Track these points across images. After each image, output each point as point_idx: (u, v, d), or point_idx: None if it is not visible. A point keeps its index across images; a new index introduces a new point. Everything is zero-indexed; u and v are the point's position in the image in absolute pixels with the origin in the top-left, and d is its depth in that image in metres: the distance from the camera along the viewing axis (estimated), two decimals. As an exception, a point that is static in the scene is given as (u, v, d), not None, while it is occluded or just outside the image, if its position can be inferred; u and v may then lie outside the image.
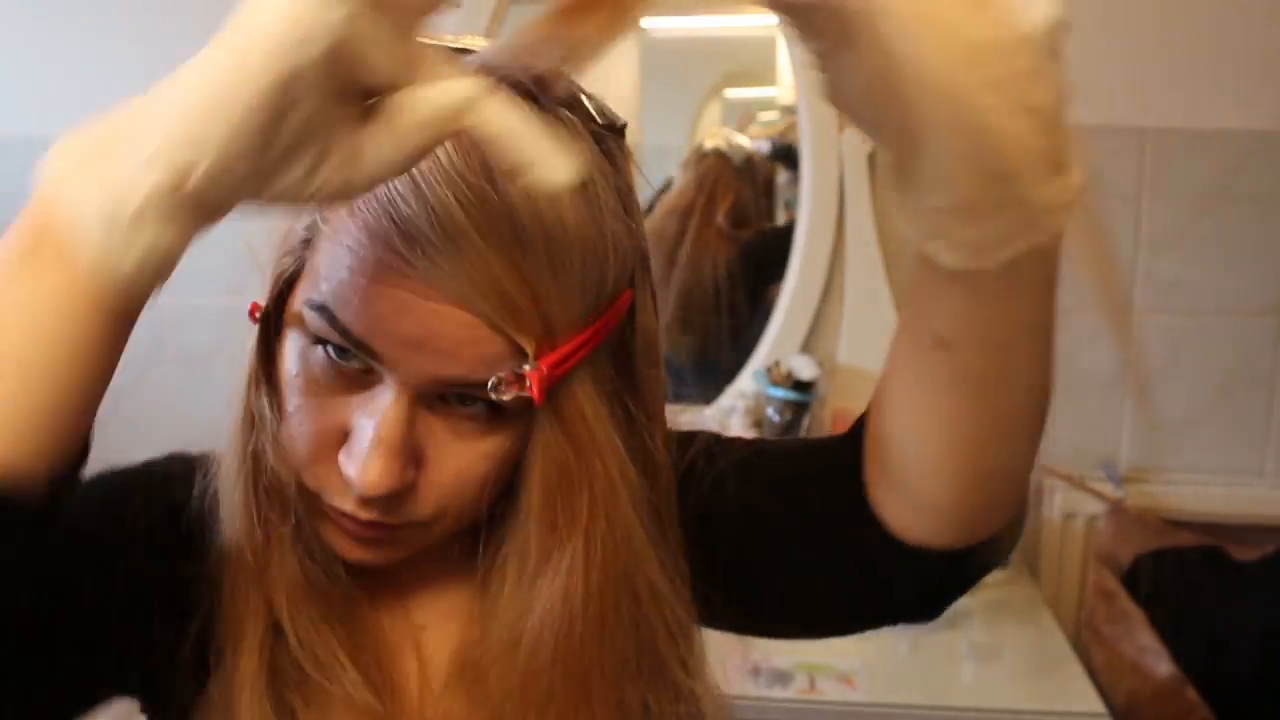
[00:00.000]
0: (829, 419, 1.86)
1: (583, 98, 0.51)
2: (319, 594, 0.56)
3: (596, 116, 0.51)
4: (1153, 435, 1.85)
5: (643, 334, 0.56)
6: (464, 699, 0.58)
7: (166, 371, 2.01)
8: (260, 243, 0.55)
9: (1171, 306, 1.81)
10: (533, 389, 0.47)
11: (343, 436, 0.50)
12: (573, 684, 0.53)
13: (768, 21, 1.86)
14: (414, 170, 0.45)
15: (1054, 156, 0.36)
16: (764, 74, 1.96)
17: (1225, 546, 1.68)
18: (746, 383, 1.88)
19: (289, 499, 0.53)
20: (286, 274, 0.52)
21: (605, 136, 0.52)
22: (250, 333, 0.55)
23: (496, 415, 0.50)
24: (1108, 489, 1.78)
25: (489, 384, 0.47)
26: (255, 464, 0.54)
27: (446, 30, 0.51)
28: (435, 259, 0.45)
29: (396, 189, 0.46)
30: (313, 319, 0.49)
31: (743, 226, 2.00)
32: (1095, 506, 1.78)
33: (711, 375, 1.94)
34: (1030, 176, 0.36)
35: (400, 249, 0.45)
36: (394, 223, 0.46)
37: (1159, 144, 1.78)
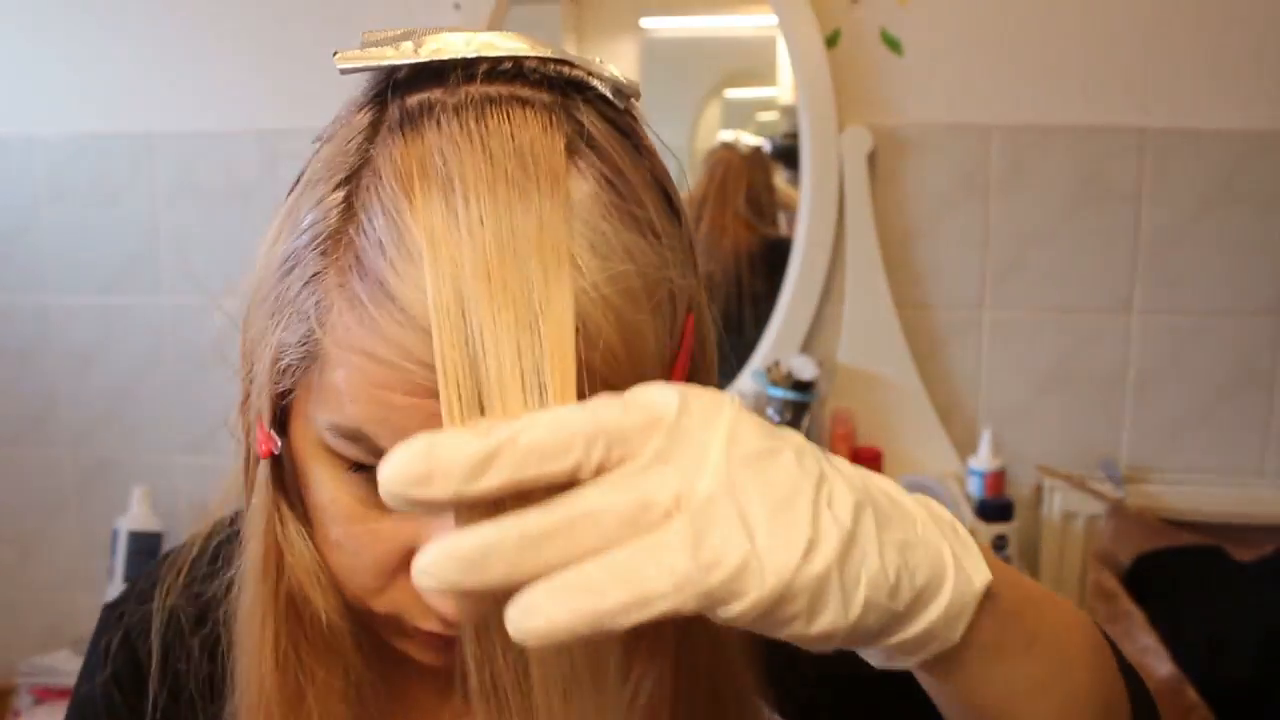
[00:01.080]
0: (829, 419, 1.86)
1: (594, 81, 0.44)
2: None
3: (613, 97, 0.44)
4: (1153, 435, 1.85)
5: (700, 353, 0.50)
6: None
7: (166, 371, 2.01)
8: (228, 343, 0.48)
9: (1171, 306, 1.81)
10: None
11: (408, 557, 0.43)
12: None
13: (768, 21, 1.86)
14: (428, 255, 0.38)
15: (913, 602, 0.35)
16: (764, 74, 1.96)
17: (1225, 546, 1.68)
18: (746, 383, 1.88)
19: (339, 643, 0.48)
20: (286, 398, 0.45)
21: (624, 119, 0.46)
22: (258, 465, 0.48)
23: None
24: (1108, 489, 1.78)
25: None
26: (291, 608, 0.47)
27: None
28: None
29: (413, 279, 0.38)
30: (345, 447, 0.42)
31: (761, 214, 2.00)
32: (1095, 506, 1.78)
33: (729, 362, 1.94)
34: (894, 633, 0.35)
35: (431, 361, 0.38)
36: (419, 326, 0.38)
37: (1159, 144, 1.78)
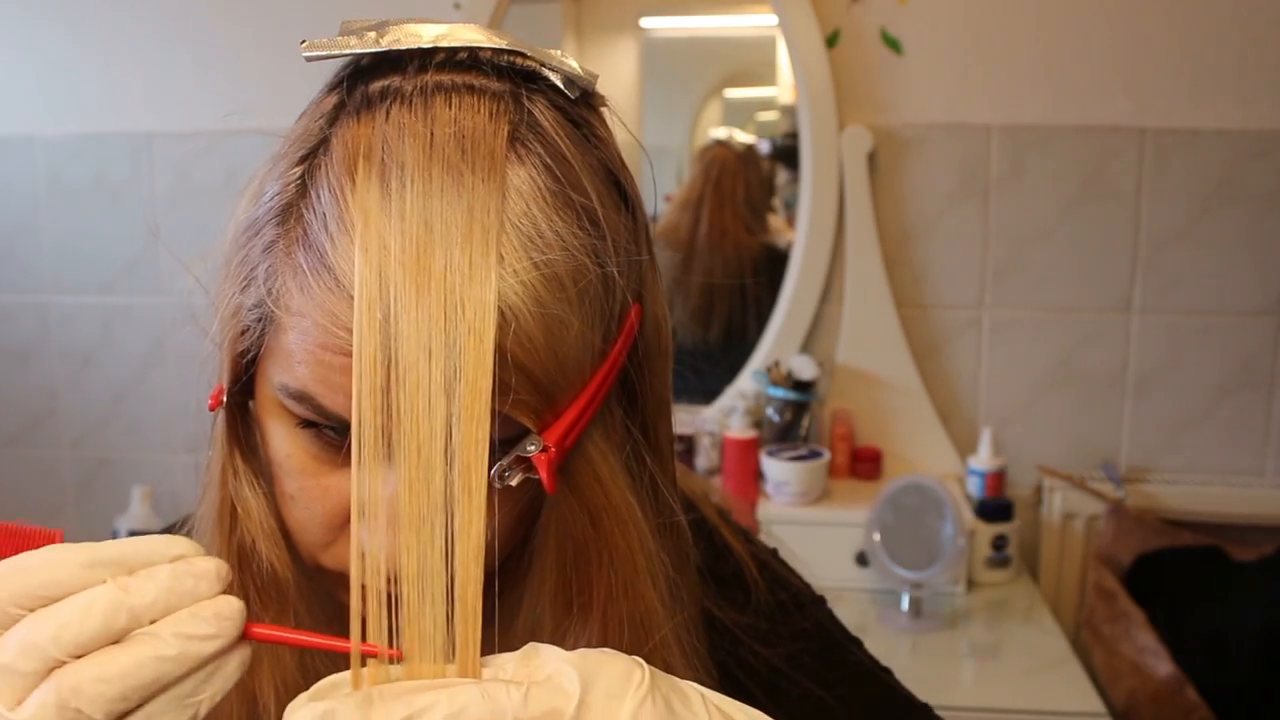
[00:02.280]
0: (829, 419, 1.86)
1: (547, 72, 0.45)
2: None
3: (566, 90, 0.45)
4: (1152, 435, 1.85)
5: (652, 343, 0.50)
6: None
7: (166, 371, 2.01)
8: (197, 301, 0.49)
9: (1171, 306, 1.81)
10: (542, 474, 0.42)
11: None
12: None
13: (768, 21, 1.86)
14: (360, 236, 0.40)
15: None
16: (764, 74, 1.96)
17: (1225, 546, 1.68)
18: (746, 383, 1.88)
19: (288, 592, 0.49)
20: (247, 356, 0.46)
21: (578, 108, 0.46)
22: (212, 422, 0.50)
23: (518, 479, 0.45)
24: (1108, 489, 1.78)
25: (491, 473, 0.41)
26: (242, 560, 0.49)
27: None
28: (403, 340, 0.39)
29: (349, 253, 0.40)
30: (296, 406, 0.44)
31: (758, 214, 2.00)
32: (1095, 506, 1.78)
33: (722, 368, 1.93)
34: None
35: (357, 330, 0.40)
36: (350, 295, 0.40)
37: (1159, 144, 1.78)
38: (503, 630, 0.50)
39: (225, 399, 0.48)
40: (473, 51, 0.44)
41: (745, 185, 1.98)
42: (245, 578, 0.49)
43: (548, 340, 0.41)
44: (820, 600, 0.66)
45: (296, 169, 0.44)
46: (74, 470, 2.07)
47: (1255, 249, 1.79)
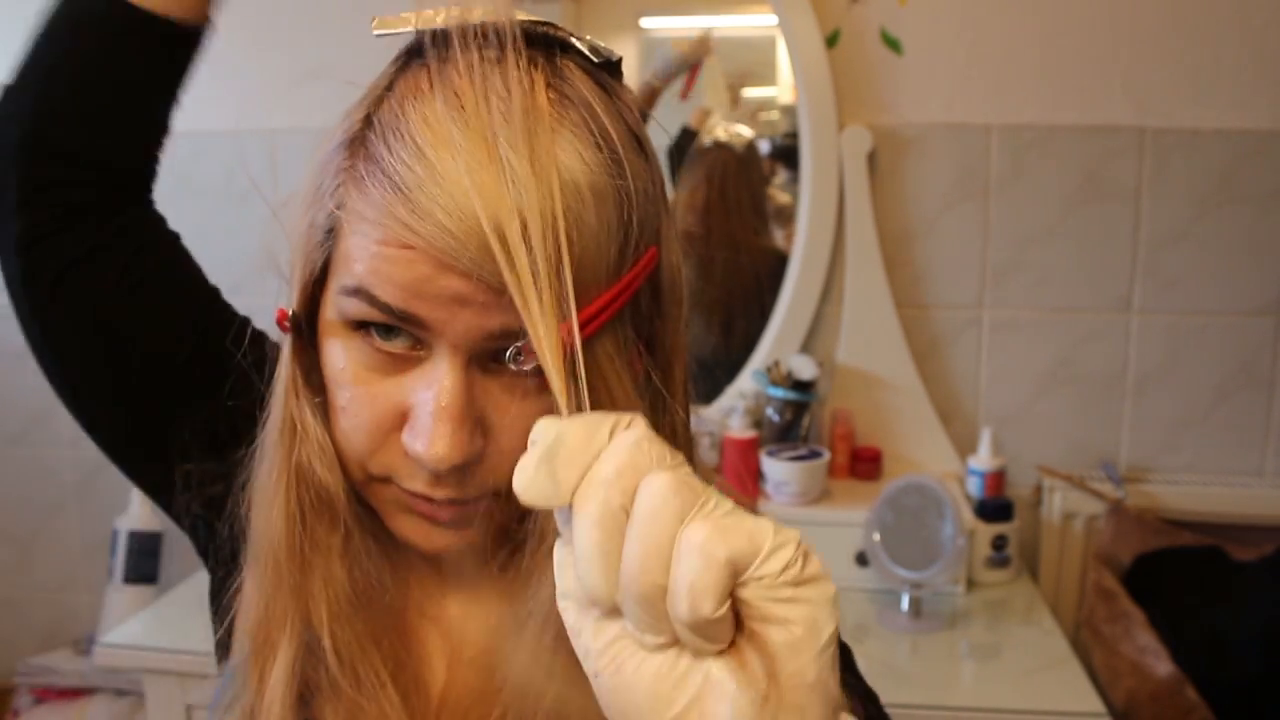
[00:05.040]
0: (829, 419, 1.86)
1: (572, 40, 0.51)
2: (364, 606, 0.55)
3: (591, 55, 0.51)
4: (1152, 435, 1.85)
5: (668, 291, 0.54)
6: (479, 679, 0.58)
7: (166, 371, 2.01)
8: (279, 248, 0.54)
9: (1171, 306, 1.81)
10: None
11: (401, 418, 0.50)
12: (575, 663, 0.53)
13: (768, 21, 1.86)
14: (417, 138, 0.46)
15: None
16: (764, 74, 1.96)
17: (1225, 546, 1.68)
18: (746, 383, 1.88)
19: (338, 509, 0.53)
20: (315, 273, 0.51)
21: (602, 73, 0.52)
22: (283, 342, 0.54)
23: None
24: (1108, 489, 1.78)
25: (507, 355, 0.47)
26: (300, 476, 0.53)
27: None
28: (446, 230, 0.45)
29: (401, 157, 0.46)
30: (351, 305, 0.49)
31: (763, 217, 1.98)
32: (1095, 506, 1.78)
33: (728, 369, 1.92)
34: None
35: (410, 221, 0.45)
36: (400, 191, 0.46)
37: (1159, 144, 1.78)
38: (518, 533, 0.54)
39: (291, 322, 0.52)
40: (514, 25, 0.49)
41: (749, 188, 1.97)
42: (301, 492, 0.53)
43: (567, 232, 0.45)
44: None
45: (363, 111, 0.51)
46: (74, 470, 2.06)
47: (1255, 249, 1.79)
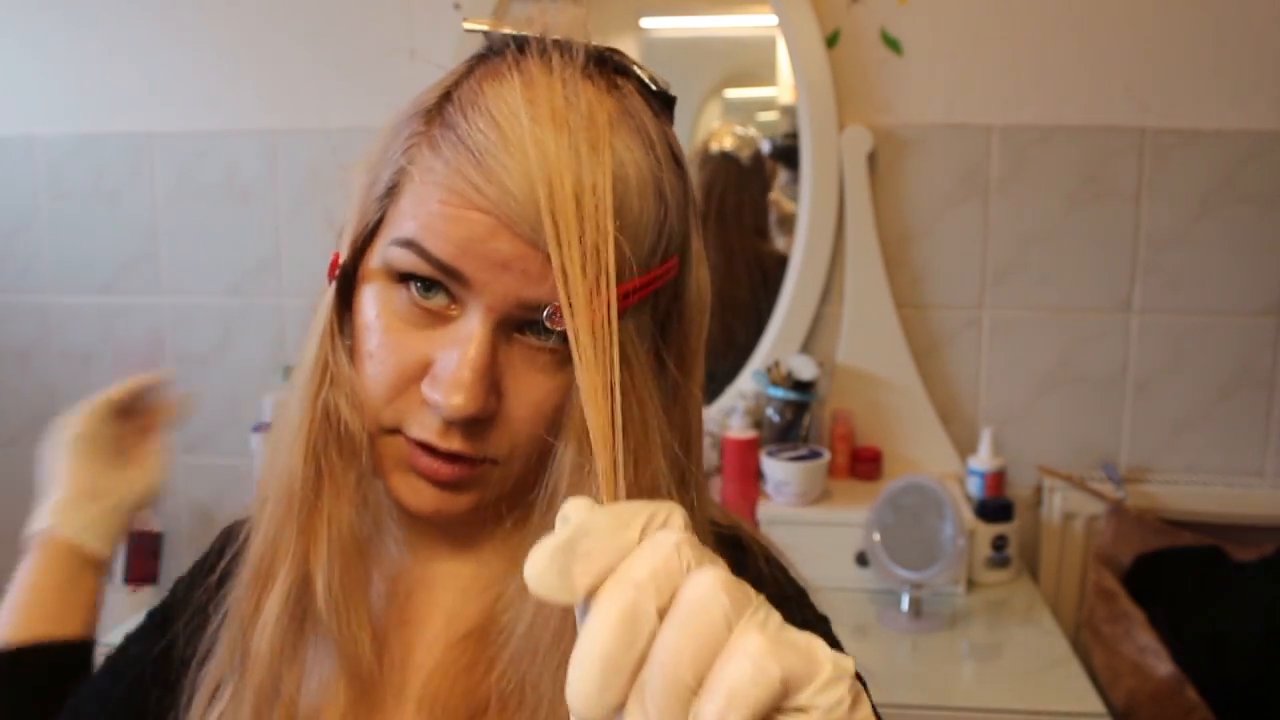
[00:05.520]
0: (829, 419, 1.86)
1: (635, 67, 0.55)
2: (361, 553, 0.58)
3: (650, 83, 0.56)
4: (1152, 435, 1.85)
5: (693, 299, 0.58)
6: (474, 648, 0.59)
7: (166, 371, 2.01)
8: (338, 205, 0.57)
9: (1171, 306, 1.81)
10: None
11: (424, 370, 0.53)
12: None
13: (768, 21, 1.86)
14: (493, 111, 0.50)
15: None
16: (764, 74, 1.96)
17: (1225, 546, 1.68)
18: (746, 383, 1.88)
19: (358, 450, 0.56)
20: (369, 226, 0.54)
21: (655, 100, 0.56)
22: (326, 289, 0.58)
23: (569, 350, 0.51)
24: (1108, 489, 1.78)
25: (544, 312, 0.50)
26: (325, 416, 0.55)
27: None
28: (509, 193, 0.48)
29: (478, 124, 0.50)
30: (400, 256, 0.52)
31: (763, 230, 1.98)
32: (1095, 506, 1.78)
33: (725, 375, 1.93)
34: None
35: (477, 182, 0.49)
36: (472, 154, 0.49)
37: (1159, 144, 1.78)
38: (525, 502, 0.56)
39: (341, 271, 0.56)
40: (585, 45, 0.54)
41: (751, 200, 1.96)
42: (325, 430, 0.55)
43: (616, 216, 0.48)
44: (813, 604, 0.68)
45: (437, 91, 0.54)
46: (74, 470, 2.06)
47: (1255, 249, 1.79)
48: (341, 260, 0.56)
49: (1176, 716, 1.48)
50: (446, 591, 0.62)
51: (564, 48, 0.53)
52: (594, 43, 0.54)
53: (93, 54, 1.97)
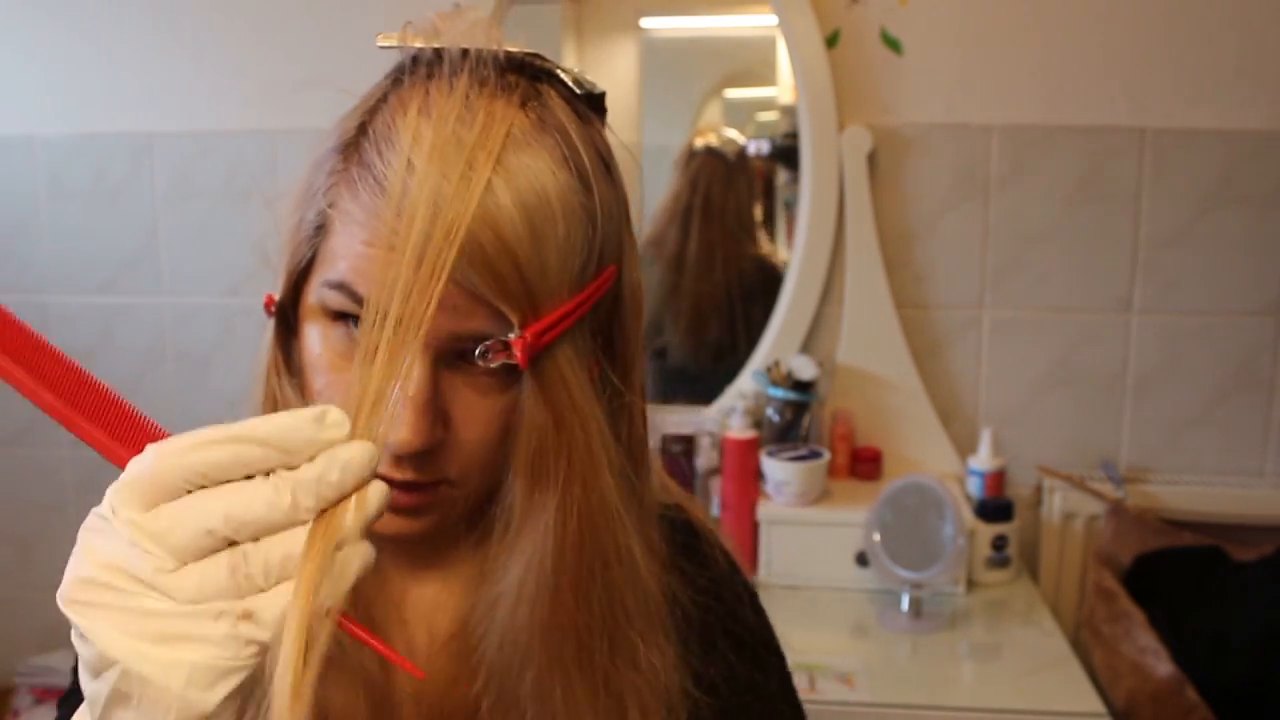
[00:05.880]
0: (829, 419, 1.86)
1: (558, 71, 0.55)
2: None
3: (574, 87, 0.56)
4: (1152, 435, 1.85)
5: (629, 304, 0.59)
6: (454, 662, 0.60)
7: (166, 371, 2.01)
8: (270, 242, 0.57)
9: (1171, 306, 1.81)
10: (517, 354, 0.51)
11: (372, 405, 0.53)
12: (549, 643, 0.55)
13: (768, 21, 1.86)
14: (401, 146, 0.50)
15: None
16: (764, 74, 1.96)
17: (1225, 546, 1.68)
18: (746, 383, 1.88)
19: None
20: (301, 264, 0.55)
21: (581, 103, 0.56)
22: (265, 326, 0.58)
23: (513, 372, 0.53)
24: (1108, 489, 1.78)
25: (476, 352, 0.51)
26: None
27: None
28: (425, 233, 0.49)
29: (392, 164, 0.50)
30: (333, 297, 0.53)
31: (748, 230, 1.99)
32: (1095, 506, 1.78)
33: (716, 378, 1.94)
34: None
35: (394, 224, 0.49)
36: (388, 194, 0.50)
37: (1159, 144, 1.78)
38: (487, 518, 0.57)
39: (277, 307, 0.57)
40: (506, 52, 0.54)
41: (736, 197, 1.97)
42: None
43: (534, 244, 0.50)
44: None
45: (357, 118, 0.55)
46: (74, 470, 2.07)
47: (1255, 249, 1.79)
48: (278, 298, 0.57)
49: (1176, 716, 1.48)
50: (416, 610, 0.63)
51: (477, 59, 0.53)
52: (510, 47, 0.54)
53: (93, 54, 1.97)
